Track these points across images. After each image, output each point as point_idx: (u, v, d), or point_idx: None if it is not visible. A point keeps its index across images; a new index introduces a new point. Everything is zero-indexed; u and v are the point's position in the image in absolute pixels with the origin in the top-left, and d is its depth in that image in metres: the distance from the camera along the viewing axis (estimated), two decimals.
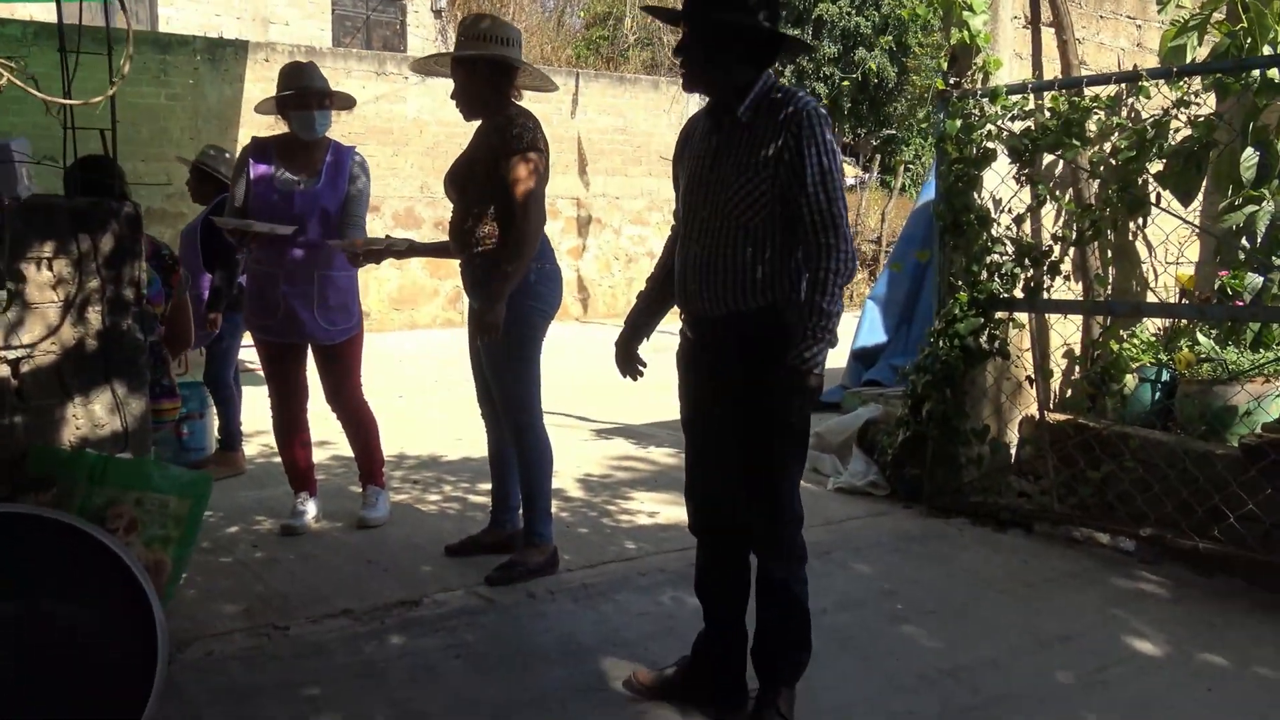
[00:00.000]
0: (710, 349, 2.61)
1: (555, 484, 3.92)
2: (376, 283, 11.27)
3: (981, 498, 4.47)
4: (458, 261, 3.67)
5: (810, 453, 4.13)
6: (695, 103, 13.90)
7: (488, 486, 4.64)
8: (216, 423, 5.37)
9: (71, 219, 2.59)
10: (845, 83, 20.21)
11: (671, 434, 6.03)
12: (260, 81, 10.64)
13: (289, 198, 4.01)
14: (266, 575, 3.65)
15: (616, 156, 13.24)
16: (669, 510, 4.50)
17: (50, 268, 2.57)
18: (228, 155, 5.37)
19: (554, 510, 3.79)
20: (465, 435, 6.01)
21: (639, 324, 2.88)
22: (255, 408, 5.74)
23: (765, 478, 2.59)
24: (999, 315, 4.43)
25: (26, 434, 2.58)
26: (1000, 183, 4.46)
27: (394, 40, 16.16)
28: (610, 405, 6.96)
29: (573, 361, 8.82)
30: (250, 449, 5.53)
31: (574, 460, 5.38)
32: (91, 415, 2.66)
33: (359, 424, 4.28)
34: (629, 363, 2.88)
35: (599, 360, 9.75)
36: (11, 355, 2.56)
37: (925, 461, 4.56)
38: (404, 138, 11.40)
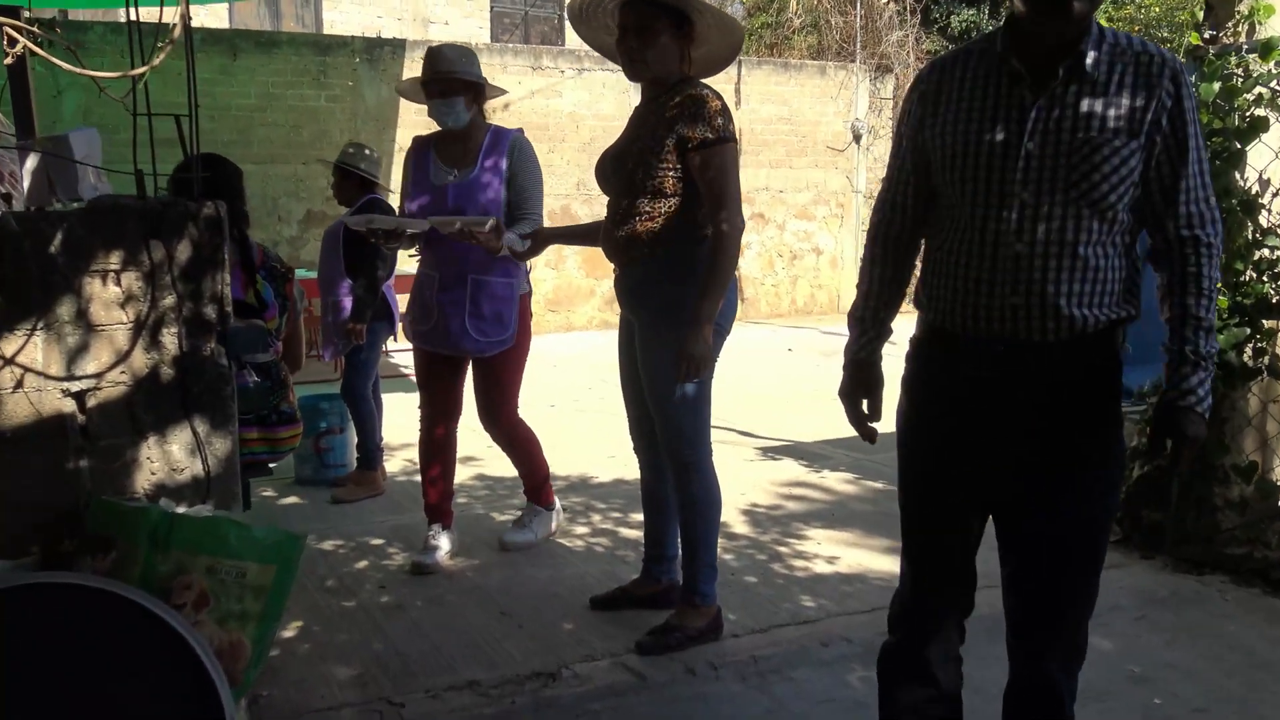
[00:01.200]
0: (1021, 387, 1.86)
1: None
2: (532, 284, 10.97)
3: (1245, 550, 3.61)
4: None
5: None
6: (866, 89, 13.02)
7: (641, 519, 4.12)
8: (356, 438, 5.04)
9: (142, 223, 2.16)
10: None
11: (847, 455, 5.34)
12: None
13: (443, 192, 3.57)
14: (388, 627, 3.20)
15: (780, 148, 12.52)
16: (851, 555, 3.83)
17: (118, 282, 2.16)
18: (369, 152, 5.01)
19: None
20: (619, 452, 5.48)
21: (869, 360, 2.07)
22: (397, 419, 5.40)
23: (1087, 560, 1.92)
24: (1269, 324, 3.56)
25: (94, 480, 2.18)
26: (1274, 159, 3.59)
27: (552, 35, 15.91)
28: (775, 419, 6.32)
29: (733, 368, 8.20)
30: (392, 465, 5.18)
31: (738, 486, 4.77)
32: (168, 457, 2.23)
33: (515, 445, 3.88)
34: (864, 418, 2.08)
35: (762, 366, 9.11)
36: (76, 386, 2.15)
37: (1170, 503, 3.73)
38: (560, 133, 11.04)
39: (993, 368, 1.87)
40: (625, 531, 4.17)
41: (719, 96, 2.87)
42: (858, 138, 12.97)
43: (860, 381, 2.07)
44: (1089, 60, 1.76)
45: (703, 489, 2.98)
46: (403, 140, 10.43)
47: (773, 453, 5.57)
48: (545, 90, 11.09)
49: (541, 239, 3.45)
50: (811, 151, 12.75)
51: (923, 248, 2.05)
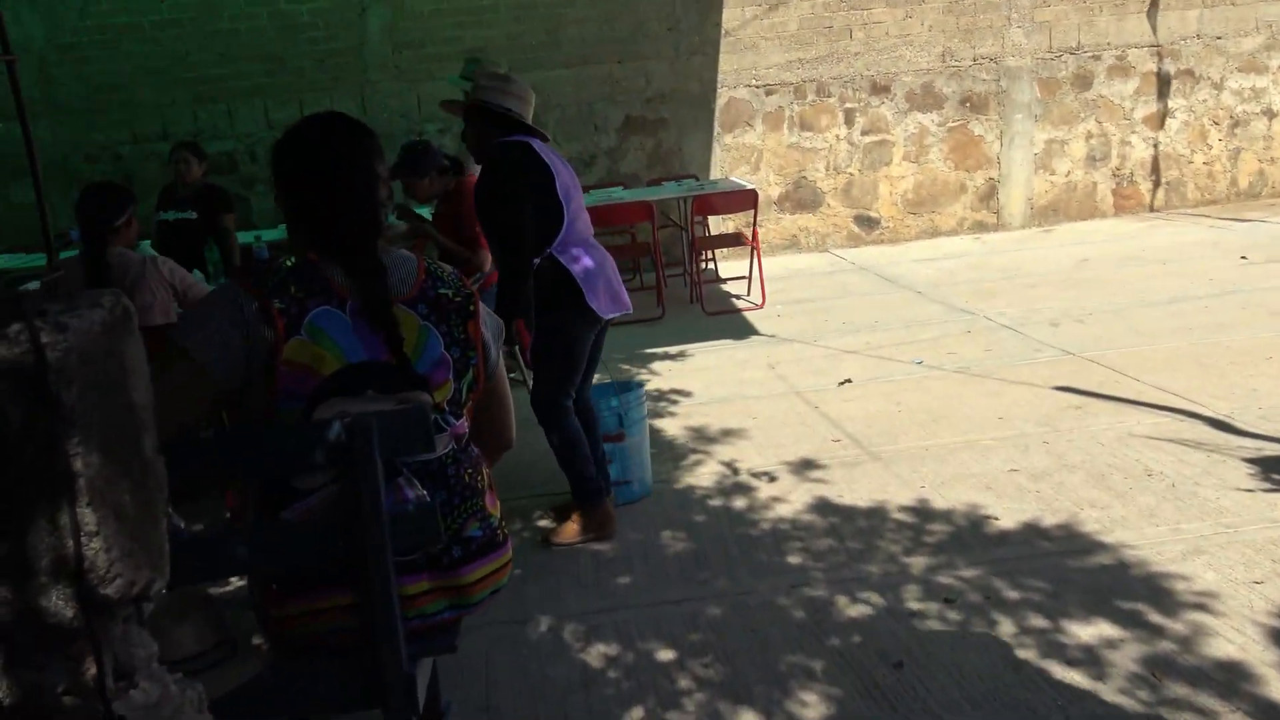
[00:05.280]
0: None
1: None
2: (887, 183, 9.04)
3: None
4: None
5: None
6: None
7: (1104, 630, 2.49)
8: None
9: None
10: None
11: None
12: None
13: None
14: None
15: None
16: None
17: None
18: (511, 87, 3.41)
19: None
20: (1023, 463, 3.71)
21: None
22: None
23: None
24: None
25: None
26: None
27: None
28: (1267, 391, 4.17)
29: (1149, 292, 5.90)
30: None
31: (1241, 563, 2.87)
32: None
33: None
34: None
35: (1208, 290, 6.50)
36: None
37: None
38: None
39: None
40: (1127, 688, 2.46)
41: None
42: None
43: None
44: None
45: None
46: (728, 22, 8.77)
47: None
48: None
49: None
50: None
51: None
